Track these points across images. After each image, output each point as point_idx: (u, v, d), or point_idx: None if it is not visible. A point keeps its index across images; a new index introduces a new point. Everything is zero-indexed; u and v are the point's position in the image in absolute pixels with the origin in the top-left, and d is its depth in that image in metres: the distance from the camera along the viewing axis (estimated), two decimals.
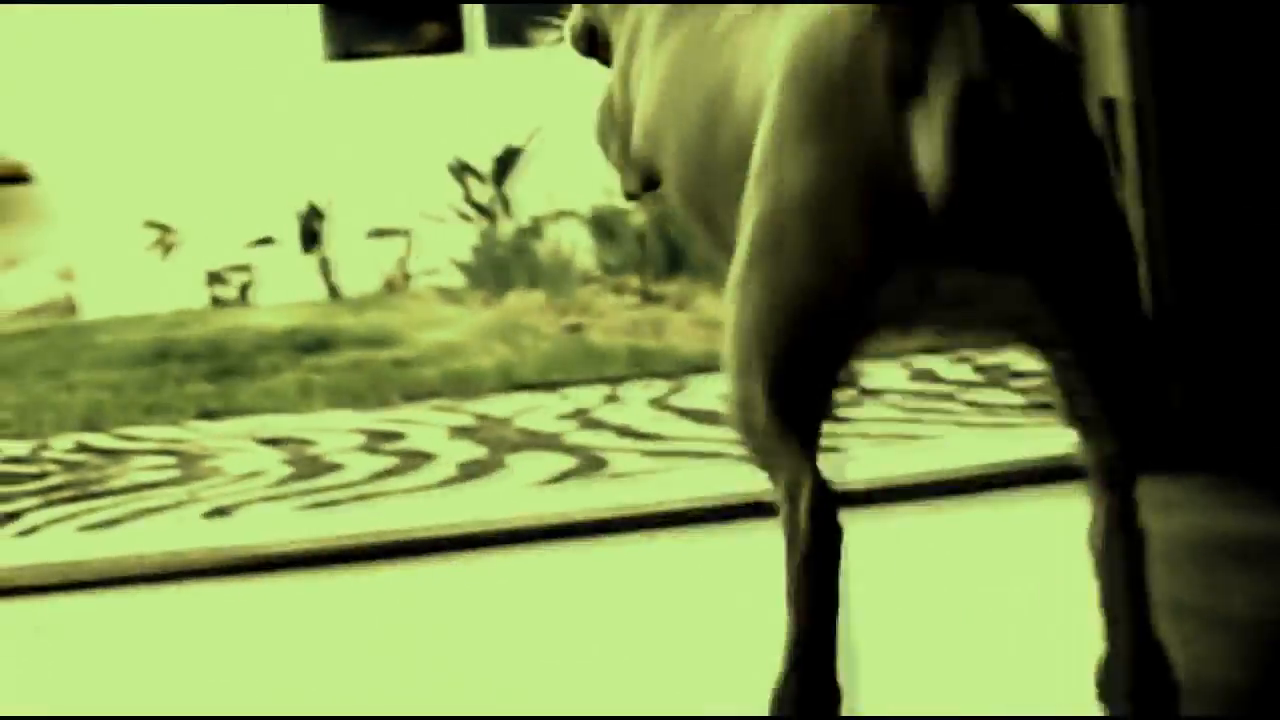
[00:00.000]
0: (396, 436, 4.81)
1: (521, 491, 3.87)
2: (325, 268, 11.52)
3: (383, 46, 12.63)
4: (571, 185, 10.79)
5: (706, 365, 6.19)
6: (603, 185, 10.51)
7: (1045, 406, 4.47)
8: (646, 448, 4.35)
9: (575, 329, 8.42)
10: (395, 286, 11.55)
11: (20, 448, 5.06)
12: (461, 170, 11.63)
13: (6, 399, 6.85)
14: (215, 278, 11.64)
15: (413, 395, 5.97)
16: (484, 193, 11.69)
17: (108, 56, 11.84)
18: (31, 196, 12.25)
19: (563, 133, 11.08)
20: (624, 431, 4.82)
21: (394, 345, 7.99)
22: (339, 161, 11.78)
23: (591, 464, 4.18)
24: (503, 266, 10.51)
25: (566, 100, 11.28)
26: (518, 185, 11.65)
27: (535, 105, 11.61)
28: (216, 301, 11.46)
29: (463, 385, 6.61)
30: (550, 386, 5.92)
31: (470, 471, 4.14)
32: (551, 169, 11.16)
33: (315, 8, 12.40)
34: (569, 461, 4.20)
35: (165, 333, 9.25)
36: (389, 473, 4.15)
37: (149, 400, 6.62)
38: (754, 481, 2.10)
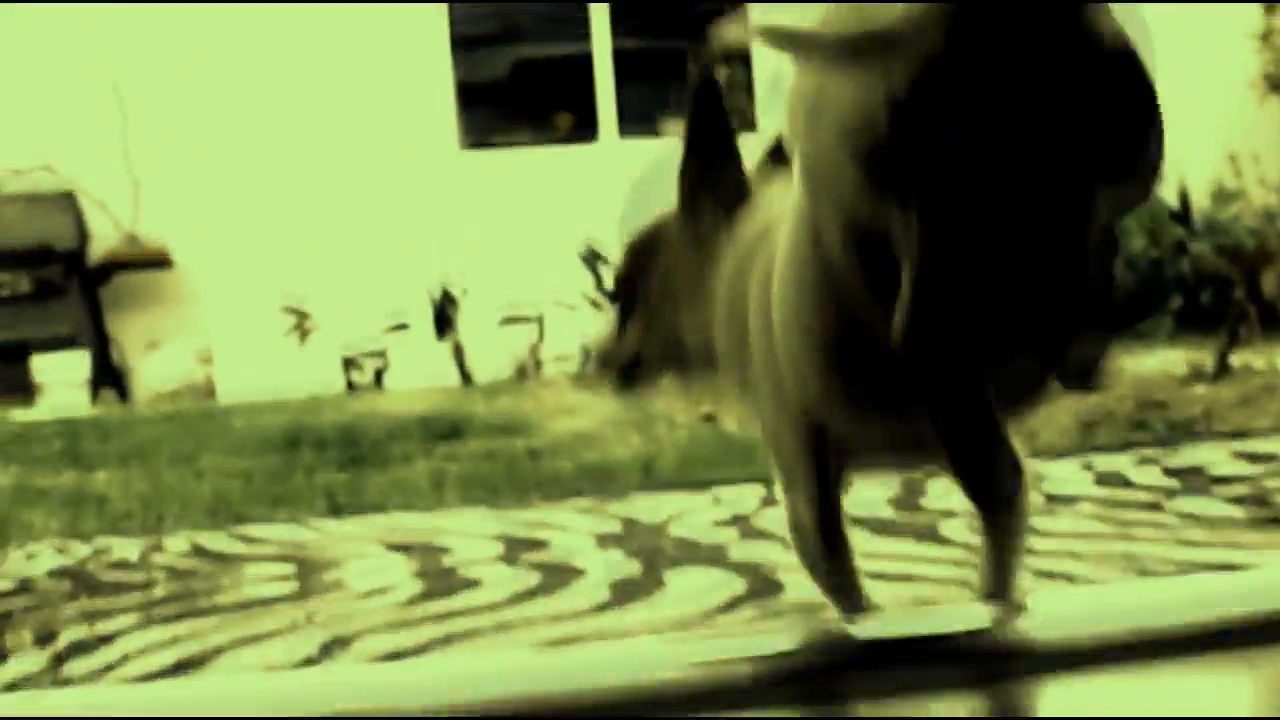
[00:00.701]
0: (538, 545, 4.22)
1: (690, 619, 3.20)
2: (458, 354, 11.41)
3: (517, 136, 12.54)
4: None
5: None
6: None
7: (1276, 521, 3.78)
8: None
9: (709, 419, 7.94)
10: (527, 373, 11.49)
11: (132, 549, 4.61)
12: (593, 258, 11.37)
13: (135, 486, 6.55)
14: (350, 363, 11.66)
15: (550, 491, 5.44)
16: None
17: (248, 143, 11.80)
18: (173, 280, 12.33)
19: None
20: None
21: (527, 434, 7.58)
22: (473, 248, 11.80)
23: (765, 586, 3.52)
24: None
25: None
26: None
27: (666, 193, 11.34)
28: (351, 386, 11.49)
29: (601, 479, 6.16)
30: (697, 485, 5.29)
31: (626, 593, 3.50)
32: None
33: (451, 97, 12.36)
34: (737, 583, 3.52)
35: (299, 418, 8.99)
36: (532, 592, 3.56)
37: (277, 490, 6.27)
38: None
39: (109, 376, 11.98)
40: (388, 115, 11.94)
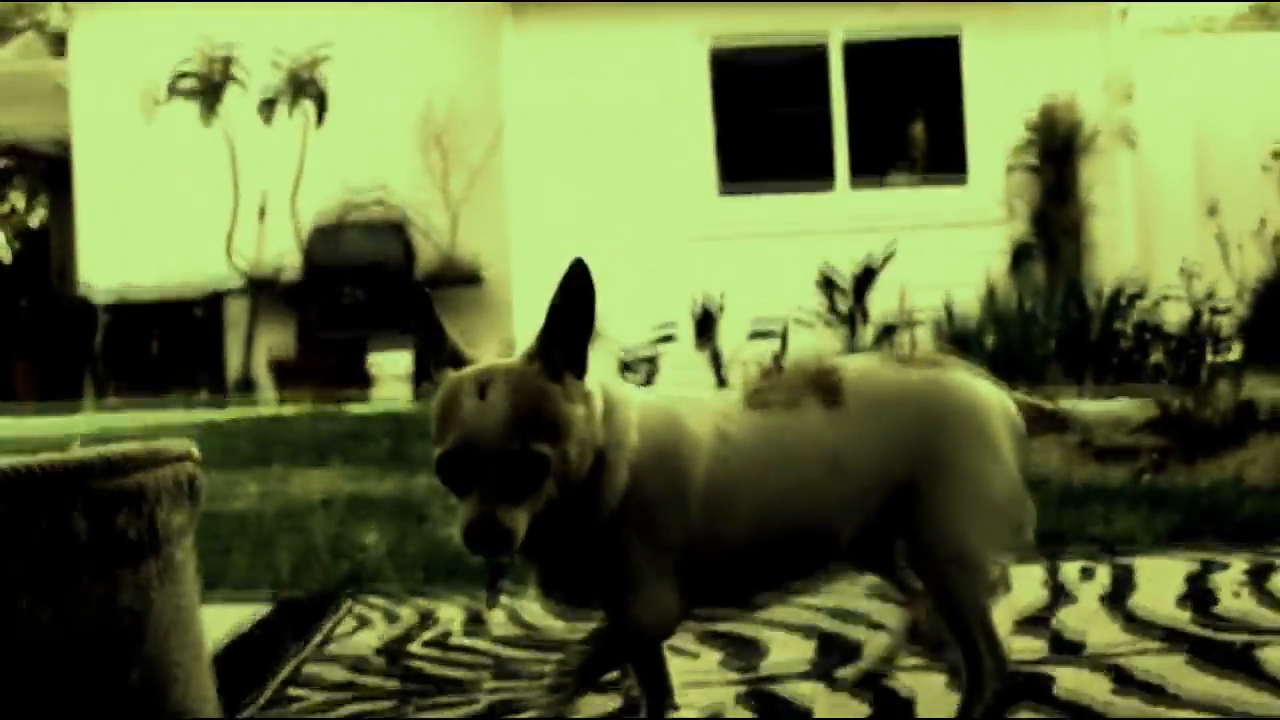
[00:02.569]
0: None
1: None
2: (715, 360, 11.97)
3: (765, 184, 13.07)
4: (917, 299, 11.58)
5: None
6: (945, 299, 11.54)
7: None
8: None
9: None
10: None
11: None
12: (828, 284, 12.11)
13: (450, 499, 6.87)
14: (626, 365, 11.84)
15: None
16: (845, 303, 12.05)
17: (548, 182, 12.67)
18: (481, 293, 13.30)
19: (911, 256, 11.93)
20: None
21: None
22: (731, 273, 12.30)
23: None
24: None
25: (915, 229, 12.46)
26: (873, 298, 12.01)
27: (888, 230, 12.15)
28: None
29: None
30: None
31: None
32: (900, 282, 11.73)
33: (711, 143, 13.04)
34: None
35: None
36: None
37: None
38: None
39: (429, 371, 13.25)
40: (668, 166, 12.84)
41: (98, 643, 1.99)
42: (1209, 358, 7.70)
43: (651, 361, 12.05)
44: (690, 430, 2.44)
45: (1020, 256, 12.82)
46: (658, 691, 2.71)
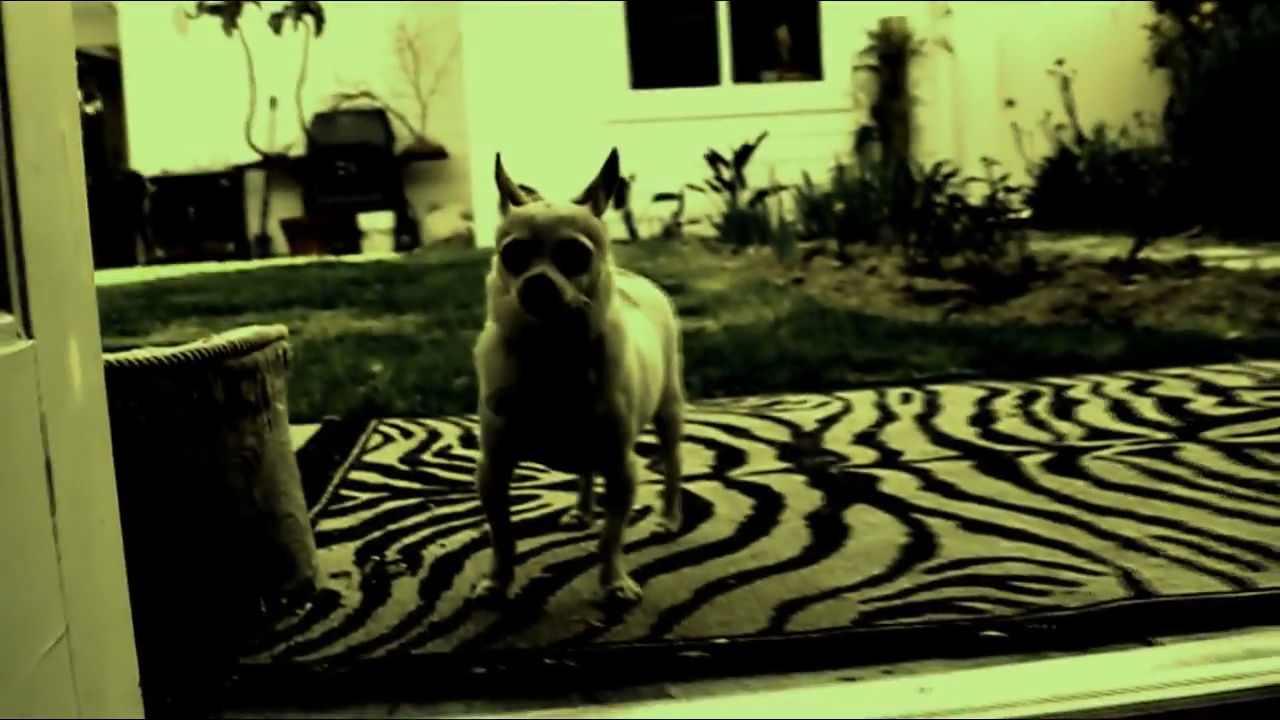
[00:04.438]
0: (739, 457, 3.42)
1: None
2: (628, 219, 12.26)
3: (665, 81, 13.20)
4: (783, 171, 11.71)
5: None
6: (803, 171, 11.70)
7: None
8: None
9: (799, 282, 7.86)
10: (671, 234, 12.23)
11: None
12: (714, 159, 12.15)
13: (434, 333, 6.35)
14: None
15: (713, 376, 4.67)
16: (728, 174, 12.12)
17: (496, 79, 12.57)
18: (447, 166, 13.43)
19: (780, 137, 12.21)
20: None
21: (683, 294, 7.31)
22: (640, 149, 11.73)
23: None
24: (743, 226, 10.89)
25: (782, 116, 12.62)
26: (749, 170, 12.13)
27: (763, 118, 12.39)
28: None
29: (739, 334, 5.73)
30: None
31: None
32: (771, 159, 11.87)
33: (624, 49, 13.06)
34: None
35: None
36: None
37: None
38: None
39: (406, 228, 13.11)
40: (591, 68, 12.90)
41: (232, 473, 2.23)
42: (1001, 224, 7.83)
43: None
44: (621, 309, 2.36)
45: (862, 139, 12.90)
46: (586, 501, 2.85)
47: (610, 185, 2.26)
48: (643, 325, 2.46)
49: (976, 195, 8.23)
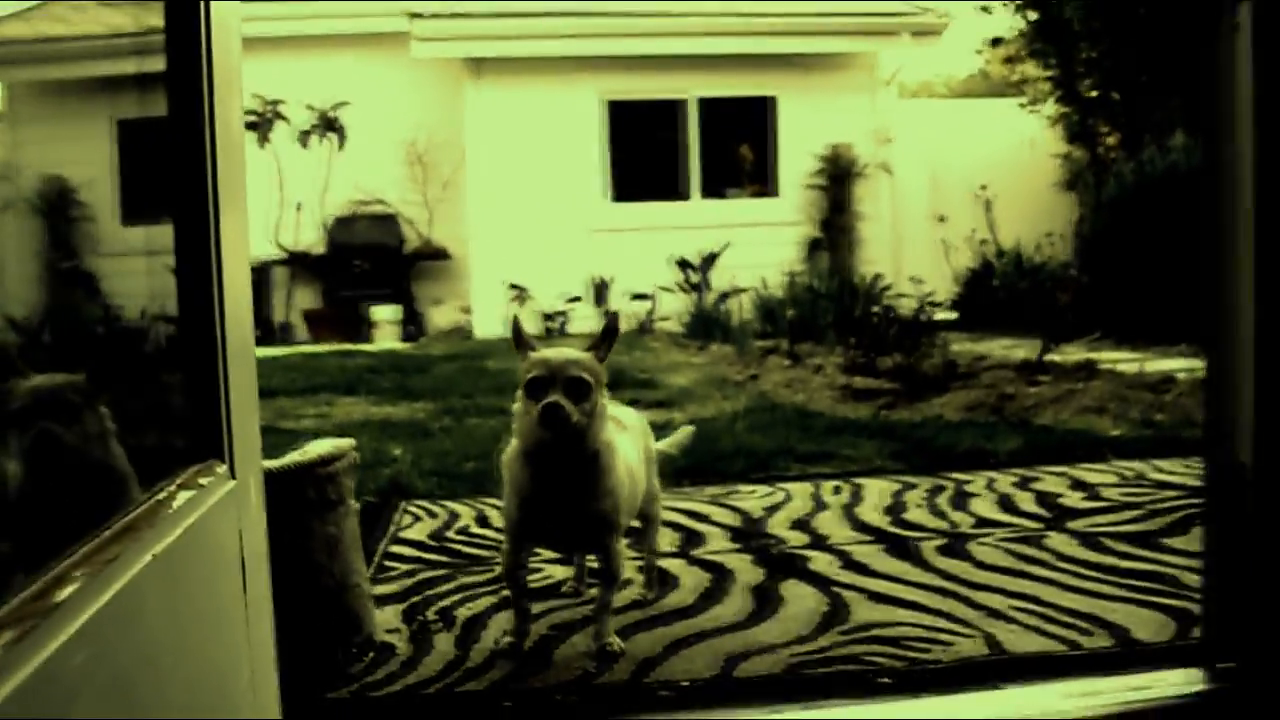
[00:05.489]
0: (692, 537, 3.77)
1: None
2: (607, 316, 12.64)
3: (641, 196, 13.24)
4: (742, 277, 12.05)
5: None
6: (761, 276, 12.01)
7: None
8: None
9: (754, 378, 8.01)
10: (645, 329, 12.37)
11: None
12: (683, 264, 12.58)
13: (444, 421, 6.30)
14: (548, 317, 12.53)
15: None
16: (695, 278, 12.50)
17: (495, 191, 12.70)
18: (449, 266, 13.48)
19: (740, 246, 12.50)
20: None
21: (655, 388, 7.57)
22: (618, 255, 12.72)
23: None
24: (707, 324, 11.16)
25: (742, 228, 12.97)
26: (714, 275, 12.48)
27: (725, 229, 12.73)
28: (548, 334, 12.14)
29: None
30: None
31: None
32: (732, 266, 12.29)
33: (605, 166, 13.12)
34: None
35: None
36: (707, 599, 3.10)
37: None
38: None
39: (412, 320, 13.14)
40: (577, 182, 13.00)
41: (319, 554, 2.70)
42: (928, 329, 8.11)
43: (564, 315, 12.58)
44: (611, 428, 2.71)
45: (811, 249, 13.15)
46: (580, 574, 3.18)
47: (610, 339, 2.63)
48: (628, 444, 2.86)
49: (908, 306, 8.56)
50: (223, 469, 1.69)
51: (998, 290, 10.73)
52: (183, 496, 1.45)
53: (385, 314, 12.94)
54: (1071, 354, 8.37)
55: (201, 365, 1.66)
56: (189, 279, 1.68)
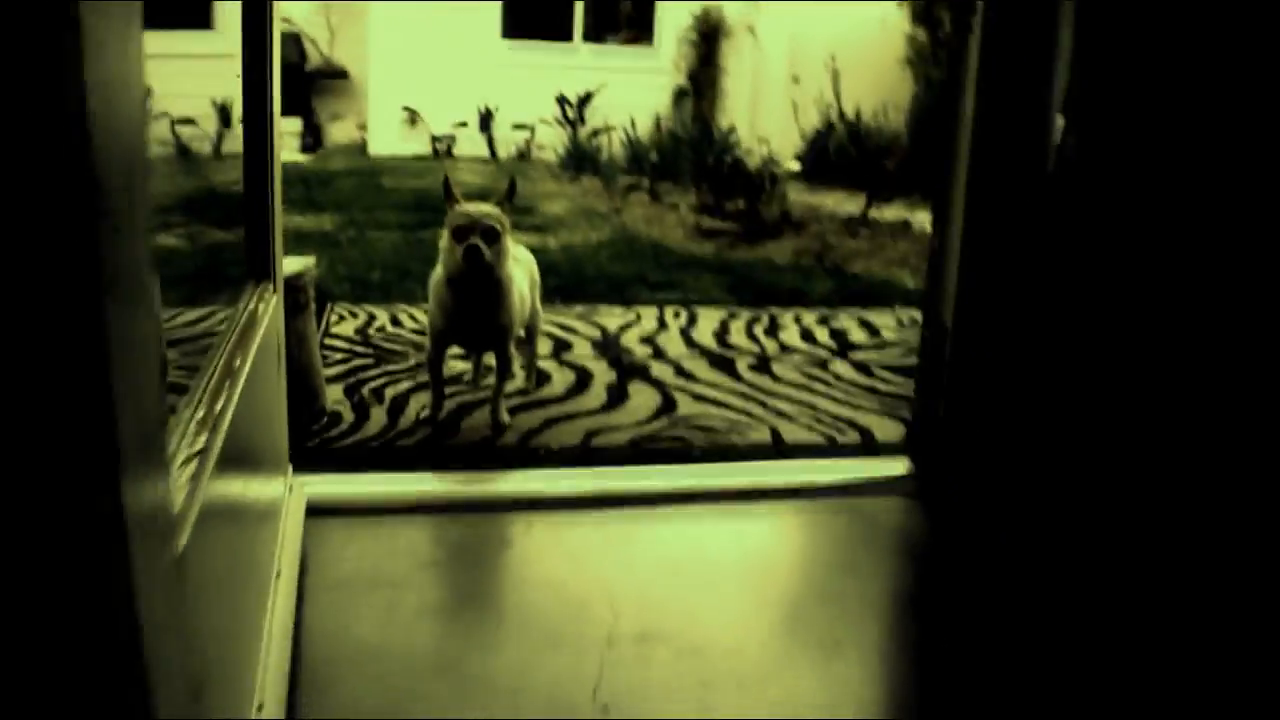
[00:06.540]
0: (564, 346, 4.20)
1: None
2: (490, 142, 12.33)
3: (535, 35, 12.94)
4: (614, 117, 11.96)
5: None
6: (631, 118, 11.74)
7: None
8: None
9: (618, 212, 8.07)
10: (524, 156, 12.35)
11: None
12: (562, 100, 12.43)
13: (348, 232, 6.39)
14: (436, 139, 12.39)
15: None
16: (572, 114, 12.39)
17: (395, 20, 12.32)
18: (348, 85, 13.30)
19: (615, 88, 12.45)
20: None
21: (533, 214, 7.56)
22: (505, 86, 12.57)
23: None
24: (580, 158, 11.16)
25: (619, 72, 13.16)
26: (589, 113, 12.43)
27: (603, 72, 12.74)
28: (435, 154, 12.04)
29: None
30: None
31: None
32: (607, 106, 12.27)
33: (499, 11, 12.73)
34: None
35: (414, 181, 9.24)
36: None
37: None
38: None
39: (312, 134, 12.90)
40: (473, 16, 12.64)
41: (294, 342, 3.35)
42: (770, 180, 8.34)
43: (452, 138, 12.49)
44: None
45: (679, 98, 13.25)
46: (477, 368, 3.70)
47: (511, 193, 3.18)
48: (521, 275, 3.46)
49: (758, 157, 9.02)
50: (271, 288, 2.41)
51: (836, 149, 11.19)
52: (260, 307, 2.18)
53: (284, 125, 12.67)
54: (891, 214, 8.70)
55: (263, 220, 2.36)
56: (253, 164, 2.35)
